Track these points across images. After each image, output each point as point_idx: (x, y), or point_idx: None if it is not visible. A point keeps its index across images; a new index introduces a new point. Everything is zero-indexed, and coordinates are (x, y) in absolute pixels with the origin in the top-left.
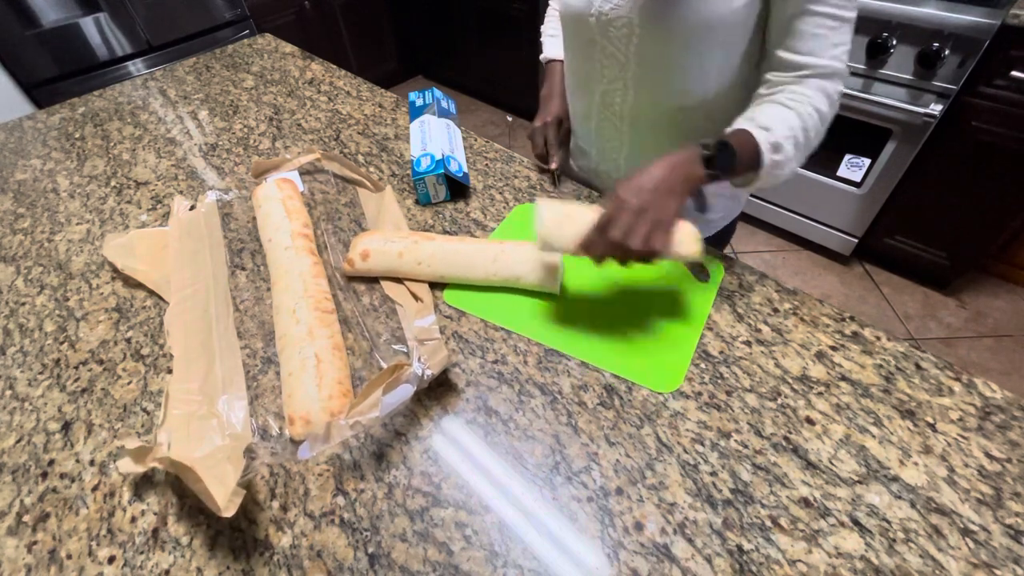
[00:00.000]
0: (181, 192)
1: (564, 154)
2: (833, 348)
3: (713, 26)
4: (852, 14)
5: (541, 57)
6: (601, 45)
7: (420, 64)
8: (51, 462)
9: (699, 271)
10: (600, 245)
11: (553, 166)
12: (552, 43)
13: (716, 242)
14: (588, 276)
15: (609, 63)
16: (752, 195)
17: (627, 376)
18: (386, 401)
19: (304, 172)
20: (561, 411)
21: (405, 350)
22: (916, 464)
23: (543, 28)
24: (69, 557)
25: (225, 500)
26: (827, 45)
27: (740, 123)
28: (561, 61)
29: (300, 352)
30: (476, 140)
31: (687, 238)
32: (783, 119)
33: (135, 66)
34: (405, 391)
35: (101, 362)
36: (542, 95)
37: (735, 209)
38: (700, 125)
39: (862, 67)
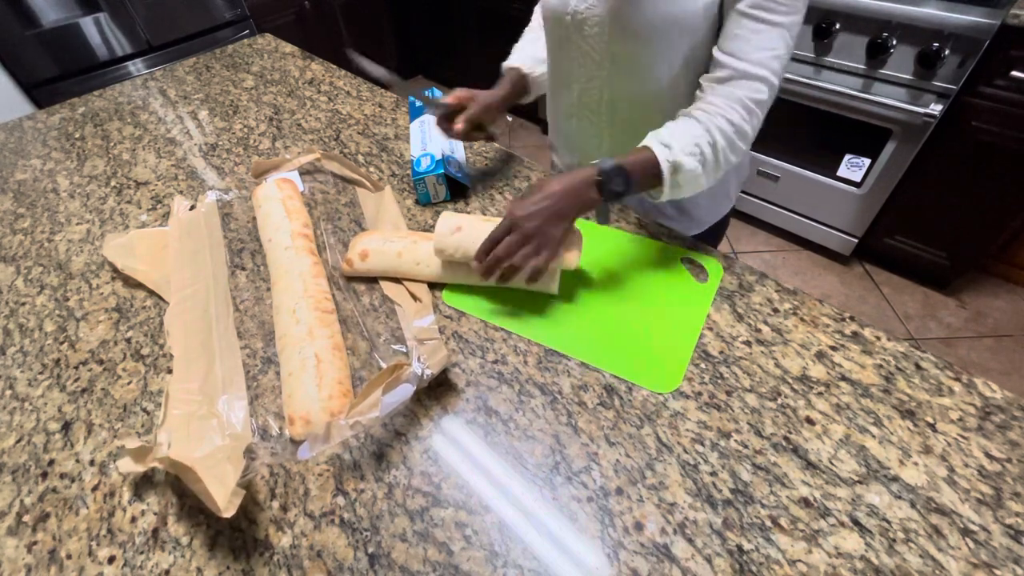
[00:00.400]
0: (181, 192)
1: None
2: (833, 348)
3: (678, 22)
4: (785, 19)
5: (503, 65)
6: (577, 43)
7: (420, 64)
8: (51, 462)
9: (698, 271)
10: (488, 259)
11: (458, 127)
12: (513, 55)
13: (709, 238)
14: (587, 277)
15: (585, 61)
16: (752, 195)
17: (625, 376)
18: (386, 401)
19: (304, 172)
20: (561, 411)
21: (405, 350)
22: (916, 464)
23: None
24: (69, 557)
25: (225, 501)
26: (751, 48)
27: (648, 138)
28: (514, 68)
29: (300, 352)
30: None
31: (570, 252)
32: (690, 135)
33: (135, 66)
34: (405, 391)
35: (101, 362)
36: None
37: (725, 206)
38: (674, 116)
39: (862, 67)
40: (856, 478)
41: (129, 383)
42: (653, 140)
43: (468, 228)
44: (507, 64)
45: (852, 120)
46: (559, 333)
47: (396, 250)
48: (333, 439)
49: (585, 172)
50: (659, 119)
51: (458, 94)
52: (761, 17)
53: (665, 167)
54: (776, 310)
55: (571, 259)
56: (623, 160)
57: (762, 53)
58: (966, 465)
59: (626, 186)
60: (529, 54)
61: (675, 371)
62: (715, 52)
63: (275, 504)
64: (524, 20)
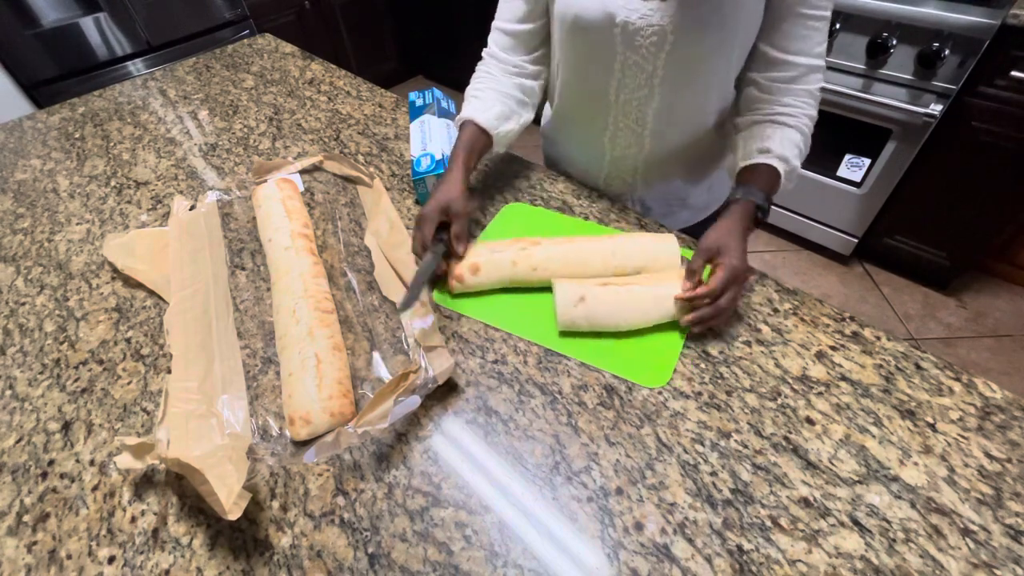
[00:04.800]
0: (181, 192)
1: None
2: (833, 348)
3: (741, 25)
4: (829, 12)
5: (460, 118)
6: (623, 56)
7: (420, 64)
8: (51, 462)
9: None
10: (715, 317)
11: (460, 251)
12: (469, 104)
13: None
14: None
15: (633, 72)
16: None
17: (619, 373)
18: (394, 411)
19: (304, 172)
20: (561, 411)
21: (407, 349)
22: (916, 464)
23: (472, 87)
24: (69, 557)
25: (230, 503)
26: (812, 44)
27: (760, 157)
28: (472, 122)
29: (300, 352)
30: None
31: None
32: (793, 143)
33: (135, 66)
34: (413, 401)
35: (101, 362)
36: (448, 169)
37: (712, 205)
38: (710, 120)
39: (862, 67)
40: (856, 478)
41: (129, 383)
42: (769, 157)
43: (592, 298)
44: (468, 116)
45: (852, 120)
46: (554, 332)
47: (510, 259)
48: (342, 446)
49: (744, 209)
50: (702, 122)
51: (424, 235)
52: (818, 16)
53: (784, 178)
54: (776, 310)
55: None
56: (759, 185)
57: (820, 47)
58: (966, 465)
59: (769, 205)
60: (494, 113)
61: (666, 366)
62: (775, 53)
63: (275, 504)
64: None
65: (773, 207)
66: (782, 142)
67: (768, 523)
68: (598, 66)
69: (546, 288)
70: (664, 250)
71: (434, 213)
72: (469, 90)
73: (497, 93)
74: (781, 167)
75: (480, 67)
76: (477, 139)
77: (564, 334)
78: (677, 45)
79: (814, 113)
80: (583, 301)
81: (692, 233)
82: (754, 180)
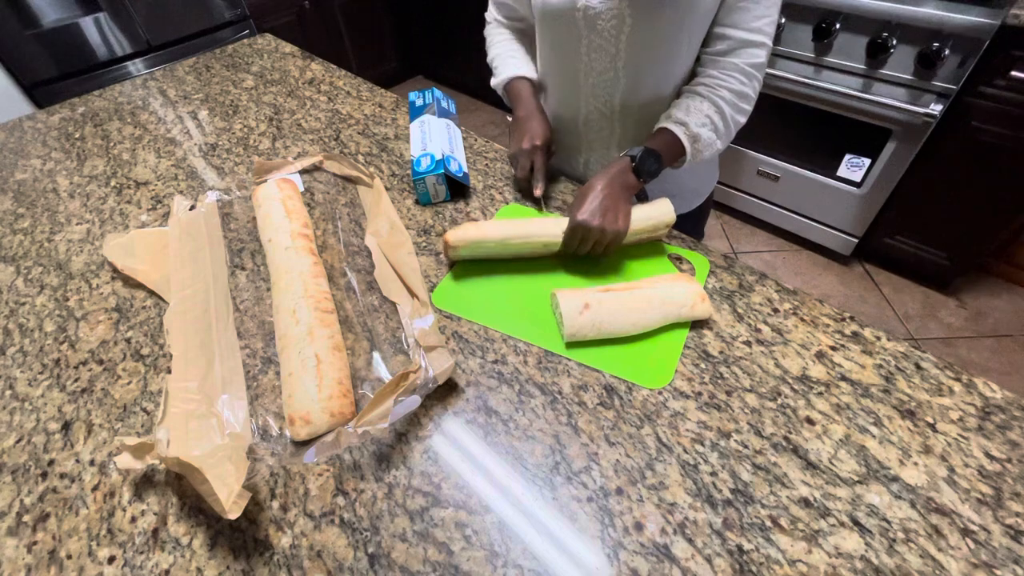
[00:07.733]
0: (181, 192)
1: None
2: (833, 348)
3: (697, 5)
4: None
5: (496, 81)
6: (588, 40)
7: (420, 64)
8: (51, 462)
9: (687, 268)
10: (575, 255)
11: (538, 193)
12: (509, 63)
13: (691, 223)
14: (575, 278)
15: (598, 55)
16: (752, 195)
17: (619, 374)
18: (395, 410)
19: (304, 172)
20: (561, 411)
21: (407, 349)
22: (916, 464)
23: (491, 55)
24: (69, 557)
25: (229, 502)
26: (750, 18)
27: (662, 121)
28: (525, 78)
29: (300, 352)
30: (476, 140)
31: (664, 212)
32: (697, 110)
33: (135, 66)
34: (413, 401)
35: (101, 362)
36: (518, 116)
37: (707, 186)
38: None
39: (862, 67)
40: (856, 478)
41: (129, 383)
42: (668, 122)
43: (596, 304)
44: (509, 75)
45: (852, 120)
46: (552, 333)
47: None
48: (342, 446)
49: (620, 163)
50: (668, 104)
51: (524, 163)
52: None
53: (686, 141)
54: (776, 310)
55: (671, 217)
56: (649, 144)
57: (760, 21)
58: (966, 465)
59: (658, 164)
60: (524, 63)
61: (667, 366)
62: (714, 27)
63: (275, 504)
64: None
65: (773, 207)
66: (687, 110)
67: (768, 523)
68: (567, 51)
69: (545, 294)
70: (662, 211)
71: (545, 146)
72: (497, 52)
73: (514, 52)
74: (680, 131)
75: (492, 31)
76: (532, 88)
77: (569, 344)
78: (636, 27)
79: (742, 88)
80: (588, 308)
81: (687, 219)
82: (648, 141)
